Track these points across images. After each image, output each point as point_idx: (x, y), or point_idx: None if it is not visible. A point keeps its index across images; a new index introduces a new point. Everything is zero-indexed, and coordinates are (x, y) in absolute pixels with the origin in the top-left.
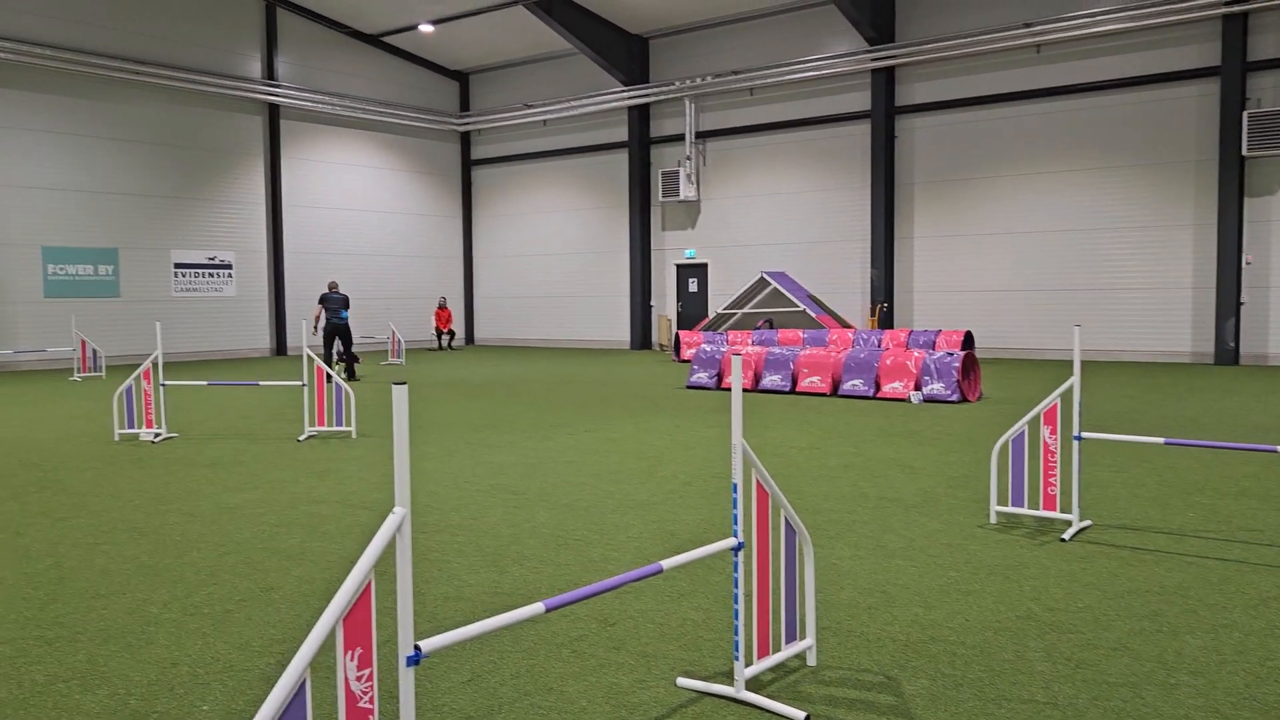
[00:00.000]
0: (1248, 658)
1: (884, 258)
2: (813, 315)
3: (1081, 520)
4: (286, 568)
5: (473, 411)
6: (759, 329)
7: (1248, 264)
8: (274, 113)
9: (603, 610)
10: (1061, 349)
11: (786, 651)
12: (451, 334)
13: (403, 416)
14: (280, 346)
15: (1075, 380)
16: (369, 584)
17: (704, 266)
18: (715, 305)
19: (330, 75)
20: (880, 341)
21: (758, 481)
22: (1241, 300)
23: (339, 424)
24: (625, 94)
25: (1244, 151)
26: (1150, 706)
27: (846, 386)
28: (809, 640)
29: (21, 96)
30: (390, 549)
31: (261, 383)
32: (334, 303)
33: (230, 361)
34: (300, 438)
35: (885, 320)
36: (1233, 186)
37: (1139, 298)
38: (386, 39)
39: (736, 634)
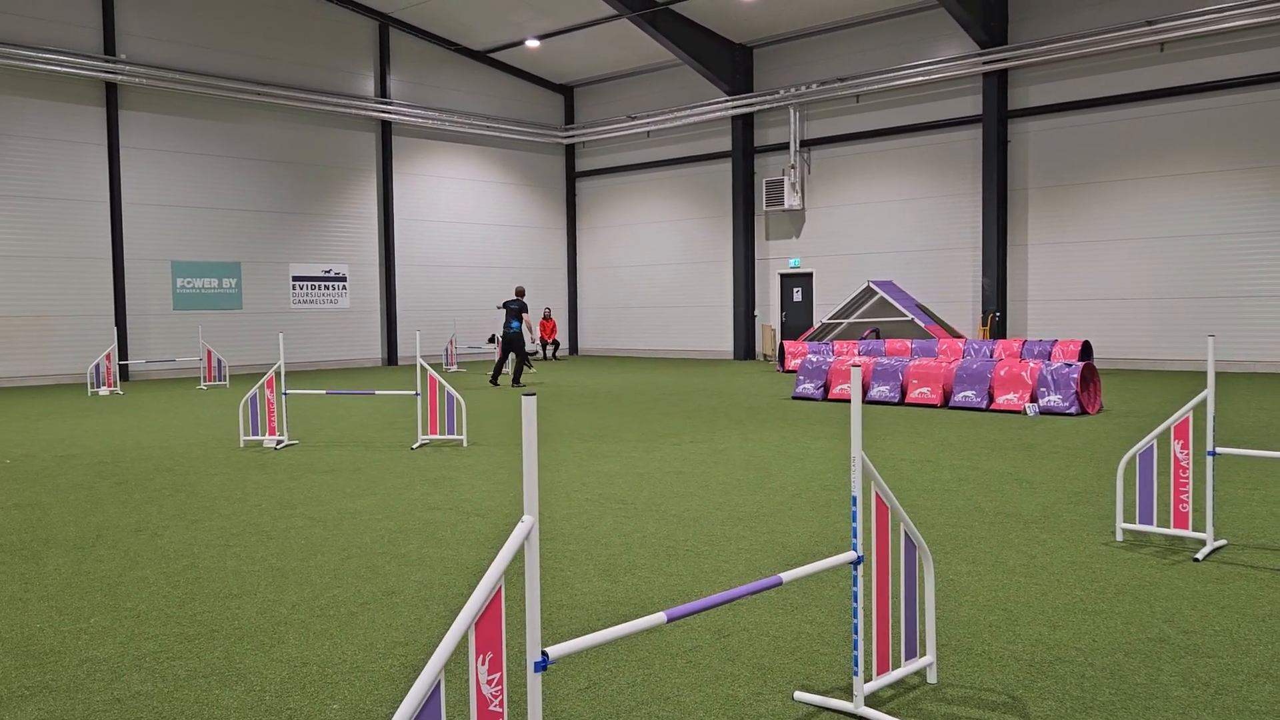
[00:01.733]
0: None
1: (996, 266)
2: (921, 325)
3: (1216, 539)
4: (406, 573)
5: (579, 421)
6: (865, 339)
7: None
8: (386, 129)
9: (716, 621)
10: (1186, 359)
11: (906, 668)
12: (556, 344)
13: (531, 427)
14: (391, 356)
15: (1209, 393)
16: (499, 590)
17: (808, 276)
18: (820, 315)
19: (440, 91)
20: (992, 352)
21: (876, 495)
22: None
23: (450, 432)
24: (729, 104)
25: None
26: None
27: (958, 398)
28: (929, 657)
29: (153, 119)
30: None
31: (377, 392)
32: (508, 313)
33: (344, 371)
34: (414, 445)
35: (997, 330)
36: None
37: (1275, 305)
38: (494, 55)
39: (856, 649)
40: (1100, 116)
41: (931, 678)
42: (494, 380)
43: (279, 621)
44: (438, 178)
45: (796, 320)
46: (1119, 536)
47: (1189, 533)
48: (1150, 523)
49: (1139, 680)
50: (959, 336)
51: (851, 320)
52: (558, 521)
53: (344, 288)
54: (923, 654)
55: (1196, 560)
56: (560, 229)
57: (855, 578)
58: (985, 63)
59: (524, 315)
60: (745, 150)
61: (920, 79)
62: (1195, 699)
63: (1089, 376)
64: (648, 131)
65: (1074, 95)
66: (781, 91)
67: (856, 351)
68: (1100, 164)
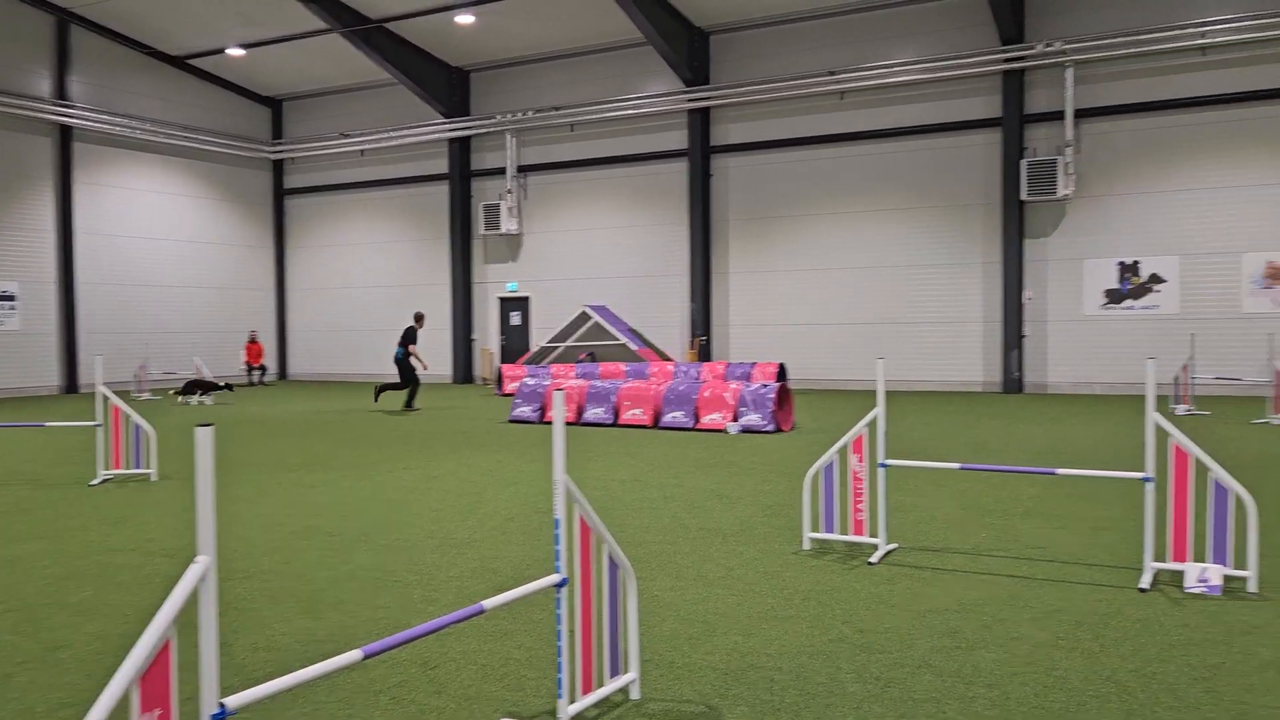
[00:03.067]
0: (1035, 668)
1: (702, 292)
2: (634, 348)
3: (888, 544)
4: (77, 624)
5: (286, 450)
6: (581, 362)
7: (1028, 300)
8: (66, 134)
9: (423, 654)
10: (868, 380)
11: (610, 686)
12: (263, 369)
13: (207, 460)
14: (71, 384)
15: (879, 410)
16: (169, 640)
17: (526, 300)
18: (538, 339)
19: (130, 97)
20: (699, 374)
21: (580, 517)
22: (1024, 333)
23: (137, 466)
24: (445, 126)
25: (1023, 196)
26: None
27: (667, 418)
28: (632, 674)
29: None
30: (193, 601)
31: (48, 423)
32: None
33: (14, 400)
34: (93, 482)
35: (703, 353)
36: (1014, 228)
37: (936, 330)
38: (192, 61)
39: (560, 671)
40: (791, 155)
41: (635, 694)
42: (409, 406)
43: None
44: (128, 189)
45: (515, 344)
46: (806, 545)
47: (865, 539)
48: (833, 531)
49: (821, 680)
50: (669, 359)
51: (568, 344)
52: (257, 557)
53: (13, 307)
54: (626, 671)
55: (871, 564)
56: (267, 248)
57: (559, 600)
58: (690, 100)
59: (409, 344)
60: (462, 173)
61: (630, 112)
62: (868, 693)
63: (783, 396)
64: (361, 150)
65: (768, 135)
66: (498, 116)
67: (573, 375)
68: (791, 199)
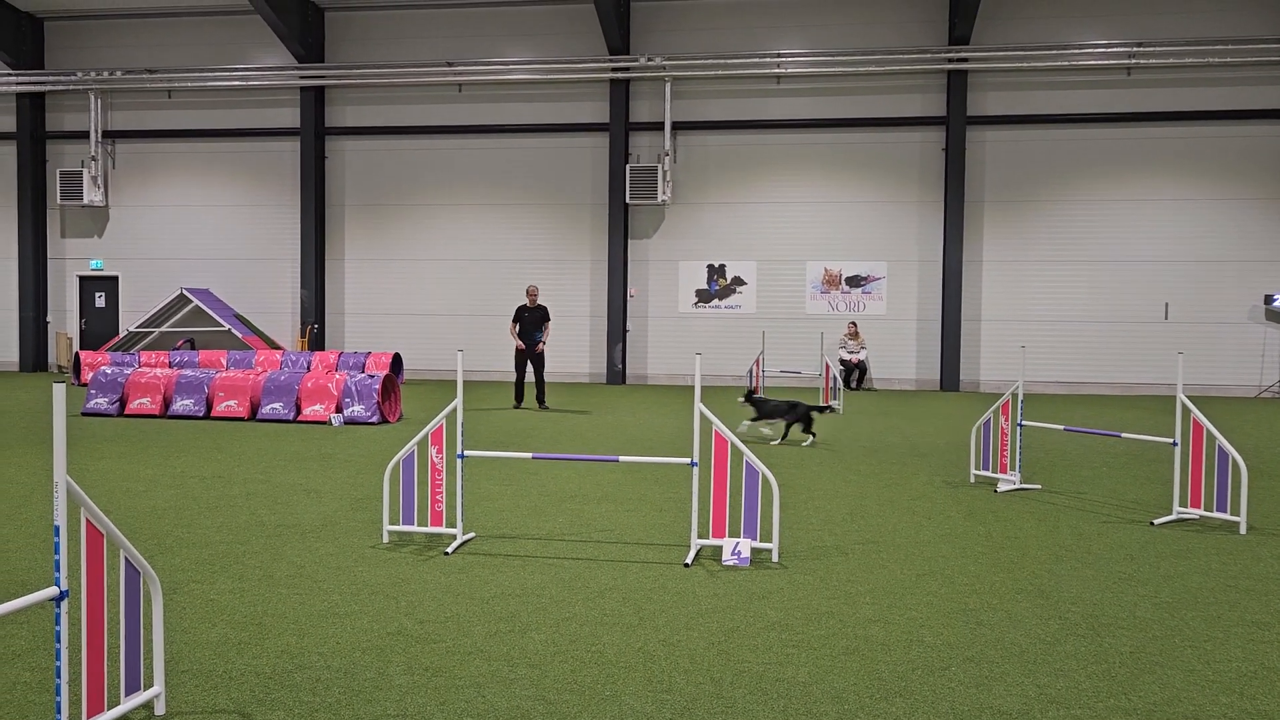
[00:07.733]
0: (579, 645)
1: (315, 279)
2: (239, 336)
3: (466, 533)
4: None
5: None
6: (178, 349)
7: (631, 296)
8: None
9: None
10: (488, 370)
11: (128, 704)
12: None
13: None
14: None
15: (458, 402)
16: None
17: (114, 280)
18: (128, 323)
19: None
20: (310, 363)
21: (88, 521)
22: (627, 328)
23: None
24: (13, 79)
25: (627, 199)
26: (489, 703)
27: (266, 410)
28: (156, 688)
29: None
30: None
31: None
32: (529, 320)
33: None
34: None
35: (316, 342)
36: (619, 229)
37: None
38: None
39: (59, 694)
40: (408, 143)
41: (160, 709)
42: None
43: None
44: None
45: (100, 328)
46: (385, 539)
47: (444, 529)
48: (412, 523)
49: (369, 675)
50: (278, 348)
51: (164, 330)
52: None
53: None
54: (150, 686)
55: (447, 554)
56: None
57: (59, 615)
58: (302, 77)
59: (546, 323)
60: (34, 134)
61: (238, 84)
62: (414, 684)
63: (389, 387)
64: None
65: (385, 121)
66: (79, 74)
67: (167, 363)
68: (408, 187)
